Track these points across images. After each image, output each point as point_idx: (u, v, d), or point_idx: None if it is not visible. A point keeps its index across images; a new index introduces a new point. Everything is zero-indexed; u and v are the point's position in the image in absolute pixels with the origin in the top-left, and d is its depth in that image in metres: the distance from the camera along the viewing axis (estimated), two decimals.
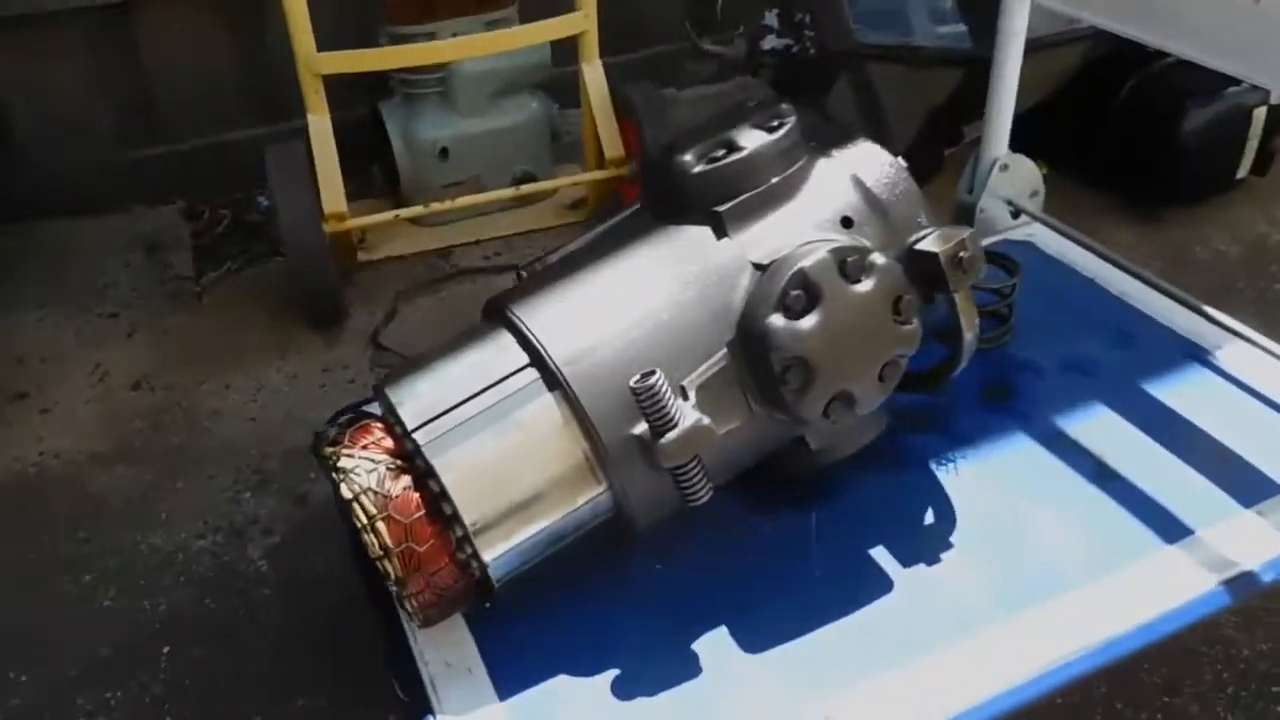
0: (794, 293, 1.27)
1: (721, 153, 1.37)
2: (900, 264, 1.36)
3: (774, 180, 1.36)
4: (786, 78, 2.73)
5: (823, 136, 1.47)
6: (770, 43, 2.73)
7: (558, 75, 2.91)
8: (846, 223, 1.37)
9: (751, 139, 1.37)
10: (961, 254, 1.35)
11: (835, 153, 1.43)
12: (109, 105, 2.99)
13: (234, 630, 1.85)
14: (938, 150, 2.82)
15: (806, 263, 1.27)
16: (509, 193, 2.71)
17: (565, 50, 2.70)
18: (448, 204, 2.63)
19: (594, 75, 2.66)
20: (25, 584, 1.95)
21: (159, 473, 2.19)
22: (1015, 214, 2.21)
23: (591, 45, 2.64)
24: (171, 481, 2.16)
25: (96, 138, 3.00)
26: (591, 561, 1.41)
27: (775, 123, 1.39)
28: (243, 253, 2.87)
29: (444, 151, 2.81)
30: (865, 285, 1.30)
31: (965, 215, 2.19)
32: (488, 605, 1.37)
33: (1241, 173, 2.87)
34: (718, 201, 1.34)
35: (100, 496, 2.14)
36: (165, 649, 1.81)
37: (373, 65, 2.40)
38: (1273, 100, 2.77)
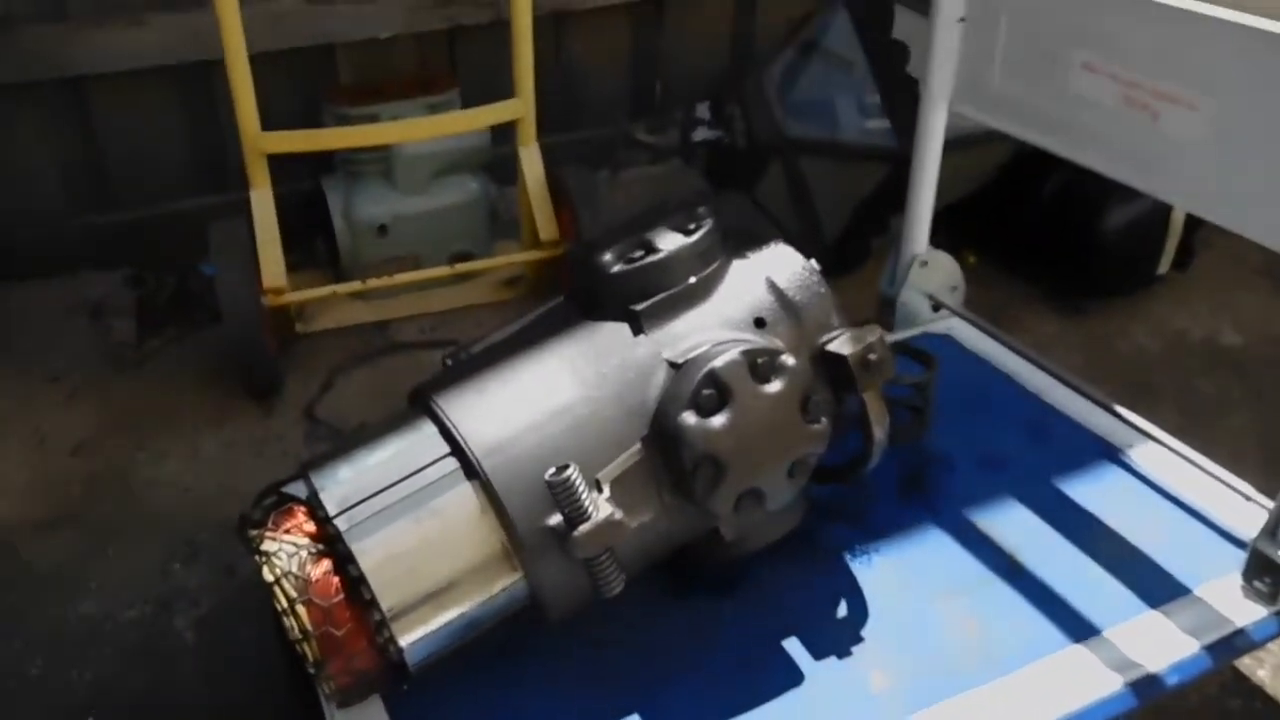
0: (705, 392, 1.32)
1: (640, 253, 1.42)
2: (811, 364, 1.42)
3: (690, 280, 1.42)
4: (718, 167, 2.81)
5: (741, 236, 1.53)
6: (702, 134, 2.81)
7: (497, 154, 2.97)
8: (759, 323, 1.42)
9: (669, 241, 1.43)
10: (870, 356, 1.41)
11: (750, 254, 1.49)
12: (59, 172, 3.02)
13: (157, 702, 1.86)
14: (865, 240, 2.90)
15: (718, 363, 1.32)
16: (445, 271, 2.76)
17: (506, 128, 2.76)
18: (385, 280, 2.67)
19: (531, 159, 2.73)
20: None
21: (92, 540, 2.19)
22: (935, 307, 2.28)
23: (529, 130, 2.70)
24: (104, 549, 2.17)
25: (46, 204, 3.02)
26: (509, 642, 1.44)
27: (692, 225, 1.45)
28: (185, 320, 2.89)
29: (383, 229, 2.86)
30: (775, 386, 1.35)
31: (886, 308, 2.26)
32: (405, 687, 1.39)
33: (1162, 269, 2.96)
34: (635, 300, 1.40)
35: (33, 563, 2.14)
36: (89, 718, 1.82)
37: (317, 146, 2.46)
38: None
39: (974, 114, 1.99)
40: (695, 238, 1.43)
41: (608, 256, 1.43)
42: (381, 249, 2.89)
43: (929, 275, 2.24)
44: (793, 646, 1.48)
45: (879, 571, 1.61)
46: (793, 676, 1.44)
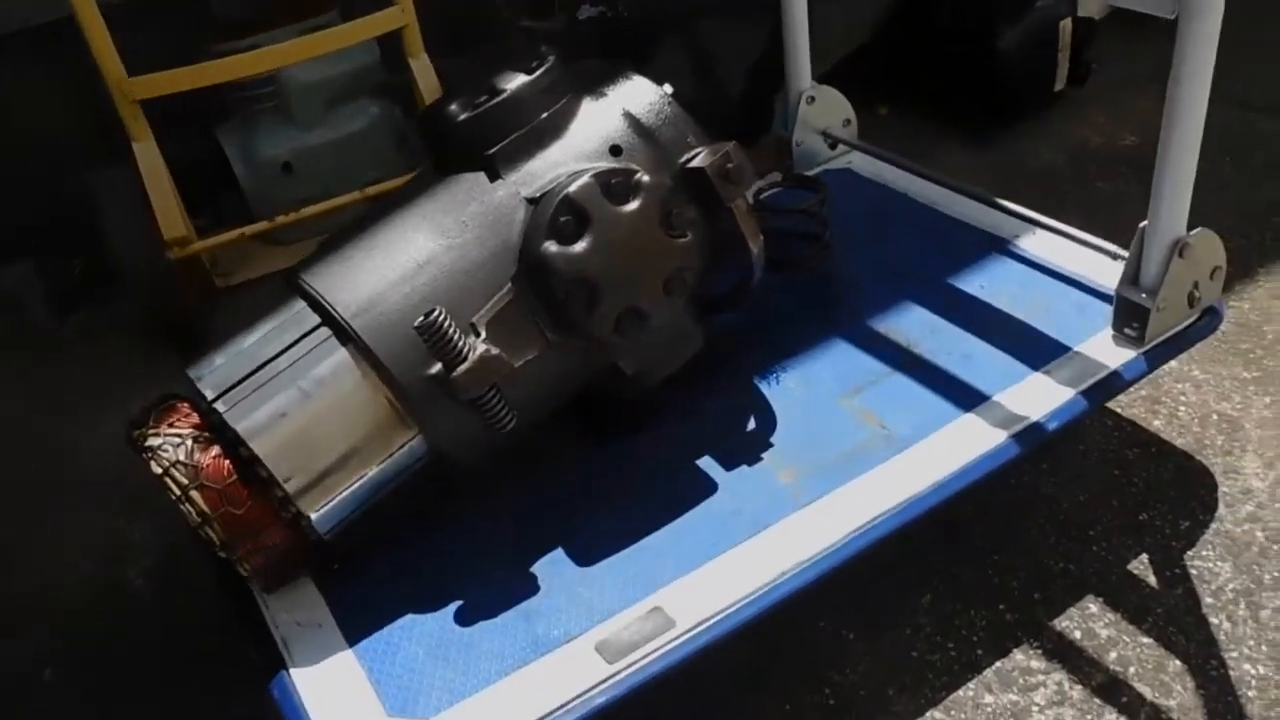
0: (563, 219, 1.33)
1: (484, 98, 1.42)
2: (673, 183, 1.42)
3: (540, 118, 1.43)
4: (609, 46, 2.78)
5: (593, 74, 1.53)
6: (585, 12, 2.78)
7: (404, 83, 2.92)
8: (615, 151, 1.43)
9: (511, 81, 1.43)
10: (728, 165, 1.42)
11: (604, 89, 1.50)
12: None
13: (117, 648, 1.85)
14: (766, 97, 2.89)
15: (572, 189, 1.34)
16: (355, 196, 2.68)
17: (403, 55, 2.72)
18: (292, 216, 2.63)
19: (423, 69, 2.67)
20: None
21: (28, 514, 2.17)
22: (832, 145, 2.29)
23: (415, 40, 2.64)
24: (41, 520, 2.15)
25: None
26: (429, 507, 1.48)
27: (534, 64, 1.45)
28: (101, 296, 2.86)
29: (287, 166, 2.81)
30: (632, 205, 1.37)
31: (785, 150, 2.26)
32: (336, 567, 1.42)
33: (1059, 85, 2.97)
34: (487, 145, 1.40)
35: None
36: (46, 672, 1.82)
37: (190, 83, 2.39)
38: (1079, 13, 2.88)
39: None
40: (537, 74, 1.44)
41: (454, 107, 1.44)
42: (290, 189, 2.82)
43: (819, 111, 2.25)
44: (705, 464, 1.52)
45: (785, 386, 1.65)
46: (707, 488, 1.48)
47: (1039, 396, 1.51)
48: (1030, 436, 1.46)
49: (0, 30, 2.80)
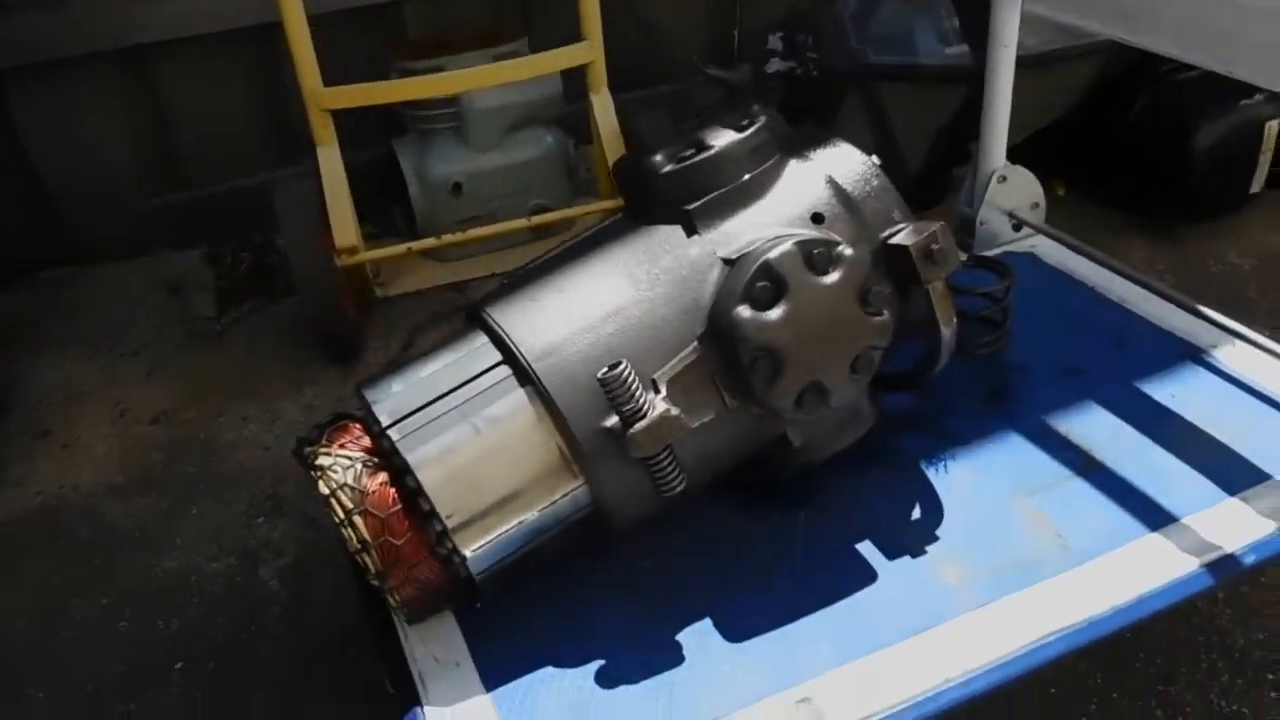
0: (760, 284, 1.28)
1: (690, 152, 1.39)
2: (874, 260, 1.37)
3: (744, 178, 1.38)
4: (795, 100, 2.75)
5: (800, 136, 1.49)
6: (775, 66, 2.75)
7: (573, 111, 2.94)
8: (817, 219, 1.38)
9: (720, 138, 1.39)
10: (933, 246, 1.36)
11: (809, 153, 1.45)
12: (130, 153, 3.07)
13: (245, 645, 1.89)
14: (947, 169, 2.83)
15: (772, 255, 1.29)
16: (522, 224, 2.72)
17: (581, 85, 2.74)
18: (459, 236, 2.66)
19: (603, 104, 2.69)
20: (44, 607, 2.01)
21: (174, 501, 2.23)
22: (1017, 226, 2.21)
23: (599, 75, 2.66)
24: (186, 509, 2.21)
25: (119, 187, 3.08)
26: (579, 559, 1.44)
27: (745, 122, 1.41)
28: (263, 292, 2.93)
29: (458, 187, 2.85)
30: (832, 277, 1.31)
31: (966, 228, 2.20)
32: (478, 605, 1.39)
33: (1256, 187, 2.85)
34: (687, 200, 1.36)
35: (117, 525, 2.19)
36: (178, 665, 1.86)
37: (379, 98, 2.44)
38: None
39: (1046, 11, 1.92)
40: (747, 133, 1.40)
41: (659, 158, 1.41)
42: (458, 209, 2.88)
43: (1009, 191, 2.17)
44: (867, 550, 1.46)
45: (955, 477, 1.58)
46: (867, 576, 1.41)
47: (1235, 524, 1.41)
48: (1223, 568, 1.35)
49: (192, 30, 2.91)
